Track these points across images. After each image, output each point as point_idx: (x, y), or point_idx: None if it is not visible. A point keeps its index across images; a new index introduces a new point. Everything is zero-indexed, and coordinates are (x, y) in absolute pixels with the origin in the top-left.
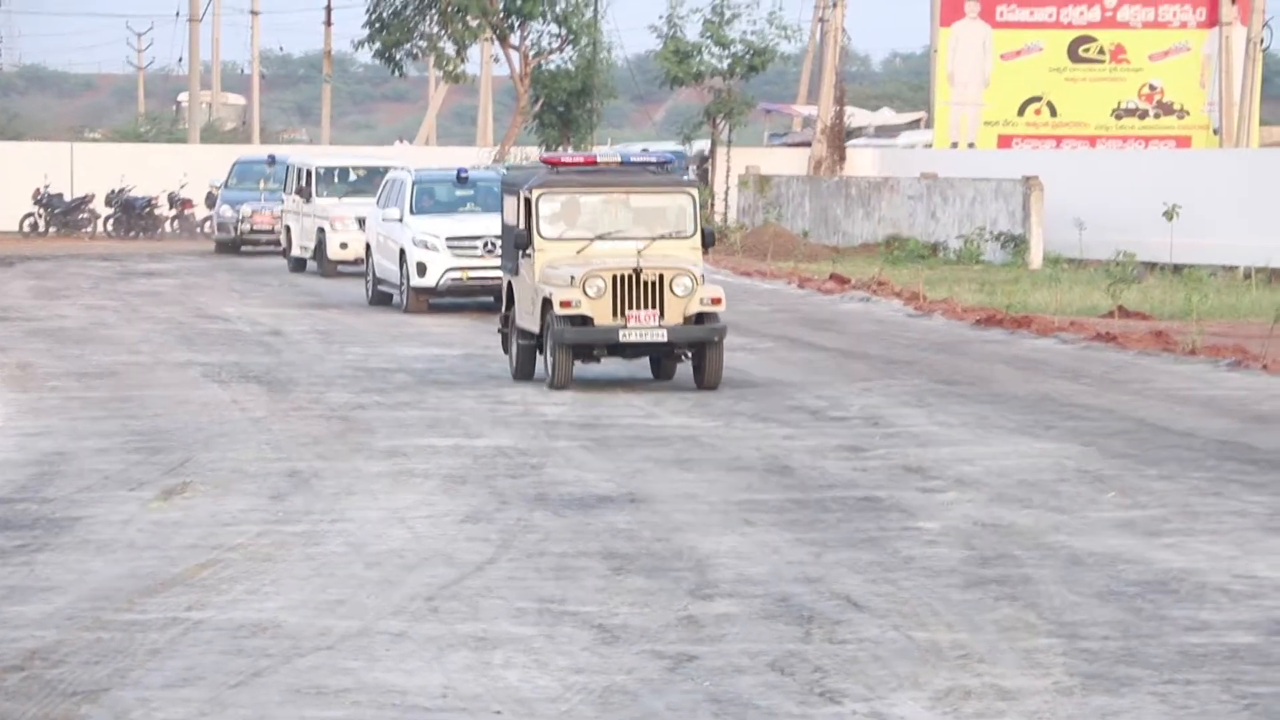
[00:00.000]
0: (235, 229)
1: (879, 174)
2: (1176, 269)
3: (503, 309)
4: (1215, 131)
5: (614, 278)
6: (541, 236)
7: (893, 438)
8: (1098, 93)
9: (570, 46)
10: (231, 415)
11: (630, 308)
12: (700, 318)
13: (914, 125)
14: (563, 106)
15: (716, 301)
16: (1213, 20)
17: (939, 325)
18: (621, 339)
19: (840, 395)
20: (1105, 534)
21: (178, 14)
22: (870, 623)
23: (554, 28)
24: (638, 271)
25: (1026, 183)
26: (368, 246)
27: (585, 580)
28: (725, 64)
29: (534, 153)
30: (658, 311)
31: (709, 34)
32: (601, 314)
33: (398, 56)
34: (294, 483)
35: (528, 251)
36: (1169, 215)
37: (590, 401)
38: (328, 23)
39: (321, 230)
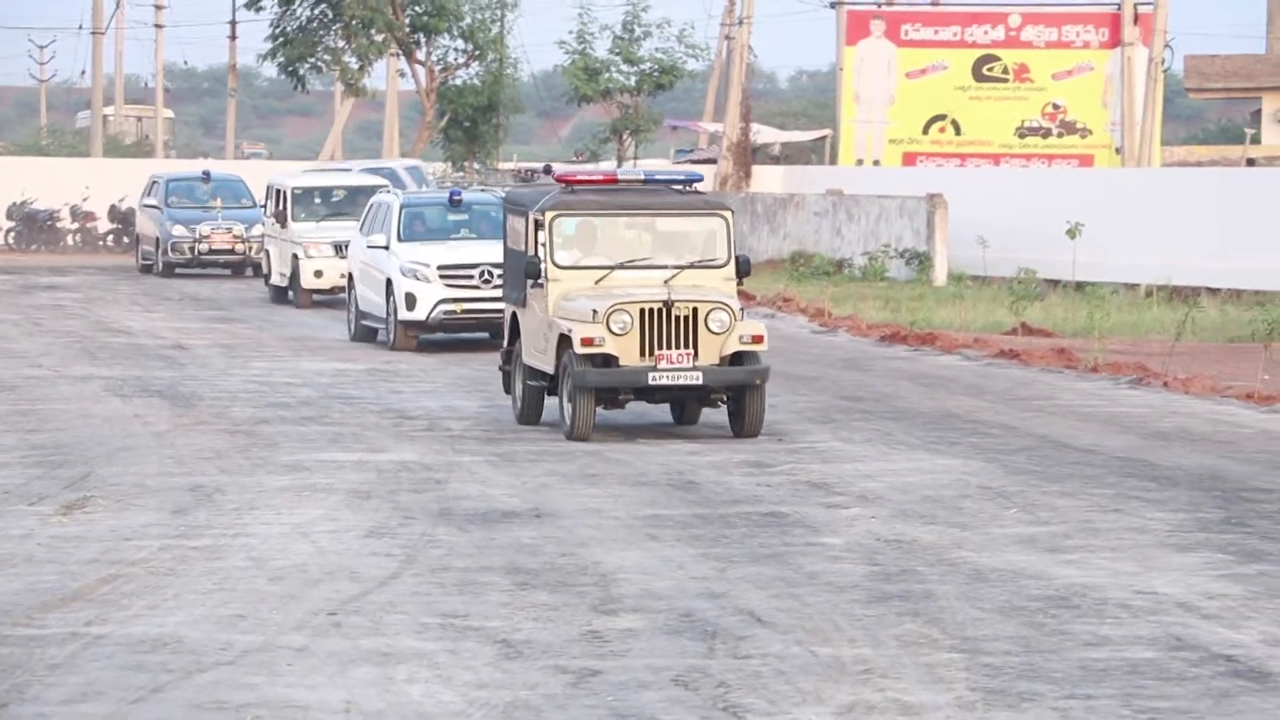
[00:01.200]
0: (192, 250)
1: (785, 191)
2: (1079, 286)
3: (505, 344)
4: (1117, 150)
5: (642, 312)
6: (556, 264)
7: (797, 453)
8: (1002, 111)
9: (476, 62)
10: (134, 429)
11: (660, 346)
12: (739, 358)
13: (820, 143)
14: (469, 122)
15: (758, 339)
16: (1115, 40)
17: (843, 342)
18: (651, 382)
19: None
20: (1007, 550)
21: (80, 26)
22: (774, 638)
23: (460, 43)
24: (669, 305)
25: (931, 200)
26: (349, 277)
27: (489, 595)
28: (633, 81)
29: (440, 168)
30: (691, 351)
31: (618, 51)
32: (628, 353)
33: (302, 71)
34: (196, 497)
35: (539, 281)
36: (1072, 233)
37: (493, 416)
38: (232, 36)
39: (296, 257)
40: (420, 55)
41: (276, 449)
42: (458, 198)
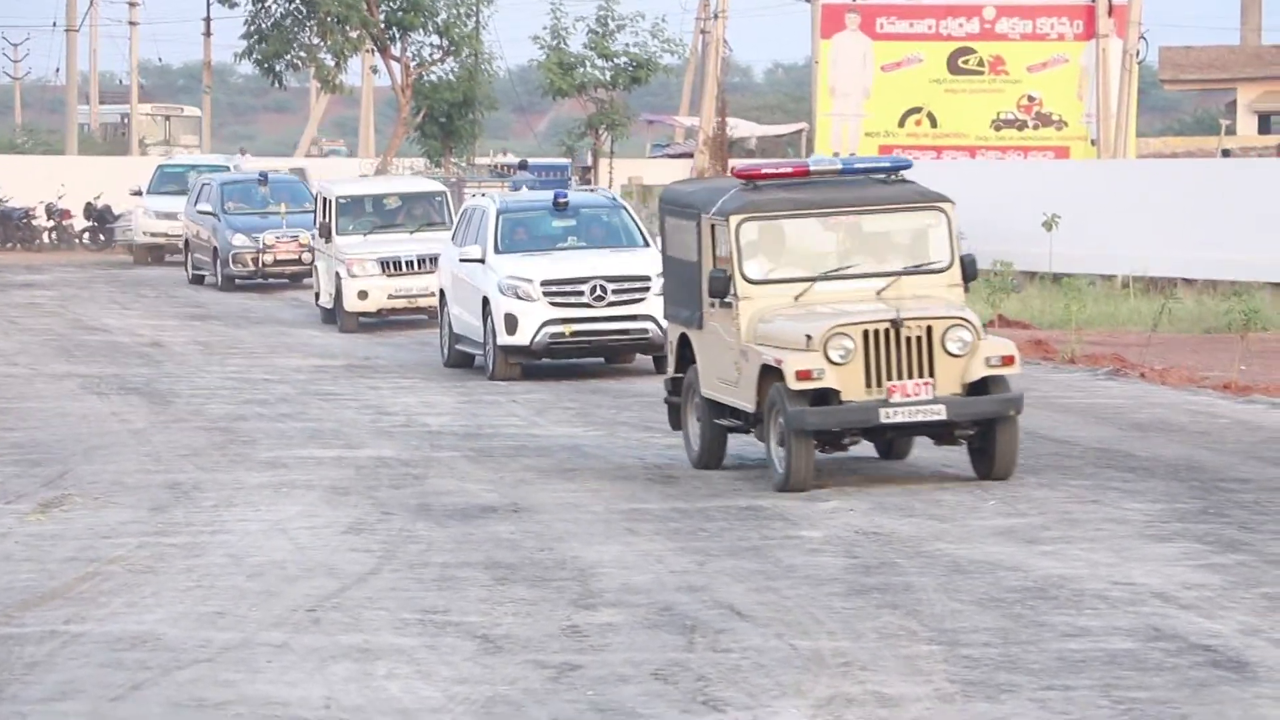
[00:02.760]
0: (256, 261)
1: None
2: (1055, 278)
3: (670, 370)
4: (1093, 142)
5: (865, 335)
6: (746, 278)
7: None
8: (977, 104)
9: (452, 58)
10: (111, 427)
11: (891, 375)
12: (984, 384)
13: (796, 136)
14: (445, 118)
15: (1008, 361)
16: (1090, 33)
17: None
18: (883, 419)
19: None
20: (985, 542)
21: (54, 24)
22: (753, 631)
23: (435, 39)
24: (897, 324)
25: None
26: (441, 294)
27: (468, 590)
28: (608, 75)
29: (418, 163)
30: (929, 379)
31: (593, 46)
32: (852, 386)
33: (278, 68)
34: (174, 494)
35: (726, 299)
36: (1048, 225)
37: (472, 411)
38: (207, 34)
39: (339, 275)
40: (395, 51)
41: (254, 446)
42: (563, 200)
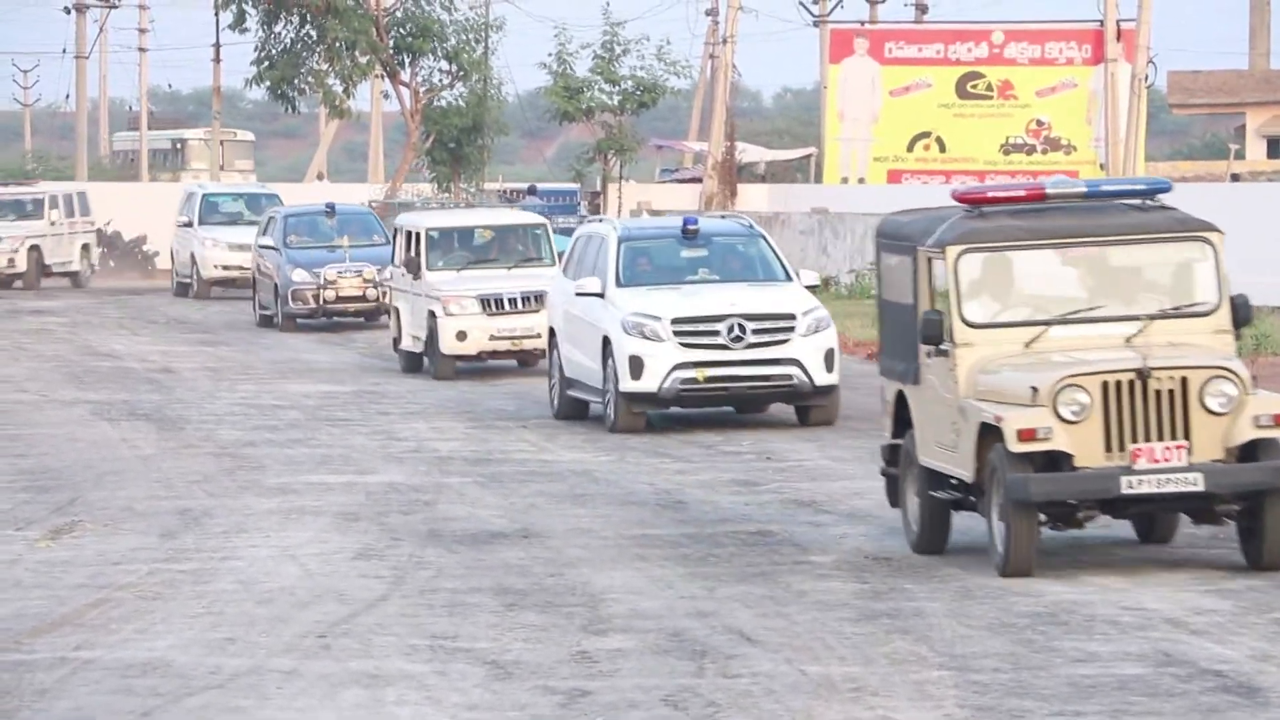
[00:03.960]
0: (317, 298)
1: (770, 209)
2: None
3: (887, 435)
4: (1101, 167)
5: (1105, 387)
6: (966, 321)
7: (785, 472)
8: (986, 128)
9: (461, 83)
10: (121, 453)
11: (1135, 437)
12: (1252, 449)
13: (805, 161)
14: (454, 143)
15: None
16: (1098, 57)
17: None
18: (1125, 490)
19: (733, 430)
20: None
21: (64, 51)
22: (763, 657)
23: (444, 64)
24: (1143, 374)
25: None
26: (551, 334)
27: (478, 616)
28: (616, 100)
29: (425, 189)
30: (1183, 441)
31: (599, 70)
32: (1087, 449)
33: (288, 93)
34: (184, 520)
35: (941, 346)
36: None
37: (482, 437)
38: (216, 59)
39: (433, 315)
40: (404, 77)
41: (264, 471)
42: (693, 227)
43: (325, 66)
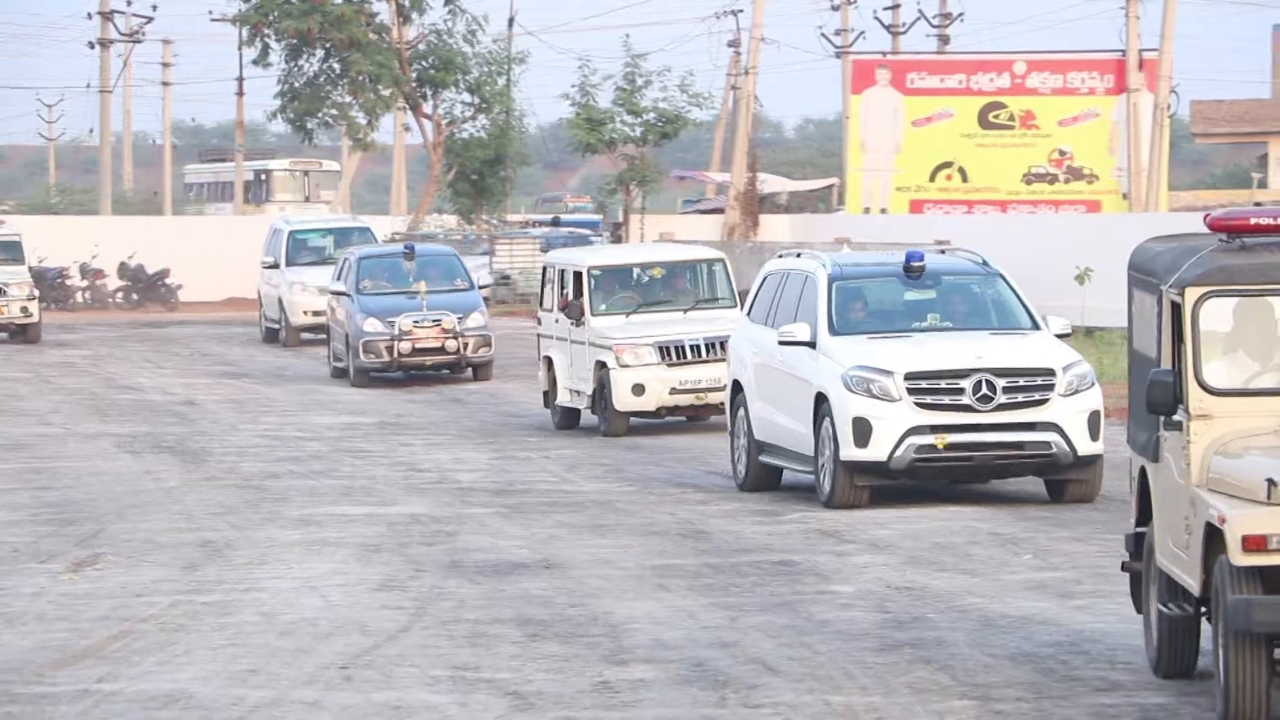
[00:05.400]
0: (390, 350)
1: (793, 240)
2: (1089, 331)
3: (1133, 520)
4: (1125, 196)
5: None
6: (1204, 386)
7: (807, 502)
8: (1008, 158)
9: (483, 115)
10: (144, 485)
11: None
12: None
13: (827, 191)
14: (476, 174)
15: None
16: (1121, 87)
17: None
18: None
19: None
20: (1018, 596)
21: (88, 85)
22: (786, 687)
23: (467, 96)
24: None
25: (939, 247)
26: (735, 388)
27: (500, 647)
28: (638, 131)
29: (449, 220)
30: None
31: (621, 102)
32: None
33: (310, 125)
34: (206, 553)
35: (1176, 417)
36: (1080, 279)
37: (504, 468)
38: (239, 93)
39: (603, 366)
40: (427, 109)
41: (286, 503)
42: (919, 264)
43: (348, 99)
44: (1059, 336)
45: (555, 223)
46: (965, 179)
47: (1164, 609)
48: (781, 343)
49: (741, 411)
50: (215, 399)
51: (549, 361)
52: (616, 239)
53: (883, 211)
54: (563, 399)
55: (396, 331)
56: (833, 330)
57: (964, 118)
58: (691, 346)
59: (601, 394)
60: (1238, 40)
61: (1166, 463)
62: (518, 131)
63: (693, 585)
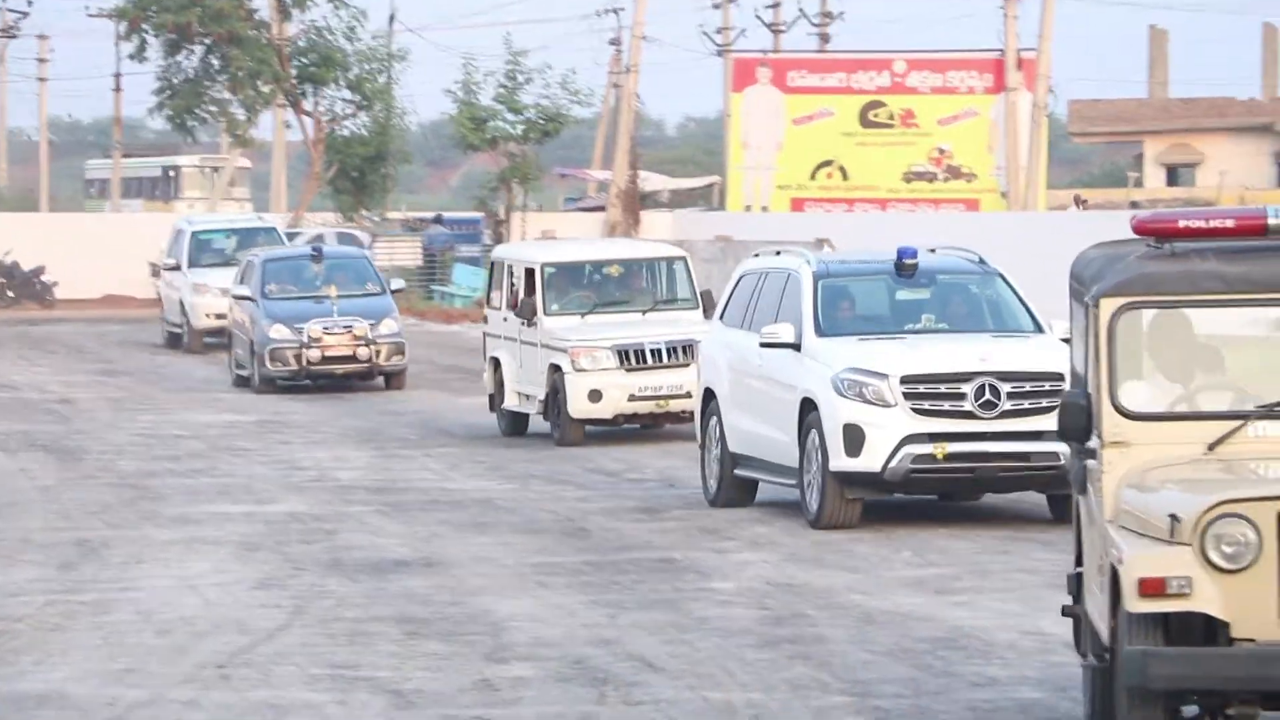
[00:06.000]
0: (298, 358)
1: (674, 238)
2: None
3: (1073, 560)
4: (1003, 195)
5: None
6: (1119, 408)
7: (688, 499)
8: (888, 157)
9: (364, 112)
10: (19, 484)
11: None
12: None
13: (708, 189)
14: (357, 172)
15: None
16: (999, 86)
17: None
18: None
19: (638, 457)
20: (897, 592)
21: None
22: (665, 684)
23: (347, 93)
24: None
25: (819, 244)
26: (707, 396)
27: (379, 645)
28: (519, 129)
29: (330, 218)
30: None
31: (503, 100)
32: (1250, 613)
33: (189, 122)
34: (82, 551)
35: (1090, 444)
36: None
37: (384, 465)
38: (117, 89)
39: (557, 369)
40: (307, 106)
41: (164, 502)
42: (911, 261)
43: (228, 95)
44: (1064, 340)
45: (438, 220)
46: (846, 177)
47: (1083, 659)
48: (764, 345)
49: (714, 421)
50: (92, 397)
51: (496, 363)
52: (497, 237)
53: (764, 209)
54: (510, 403)
55: (305, 338)
56: (819, 331)
57: (844, 116)
58: (652, 350)
59: (555, 399)
60: (1115, 41)
61: (1090, 495)
62: (399, 129)
63: (573, 583)
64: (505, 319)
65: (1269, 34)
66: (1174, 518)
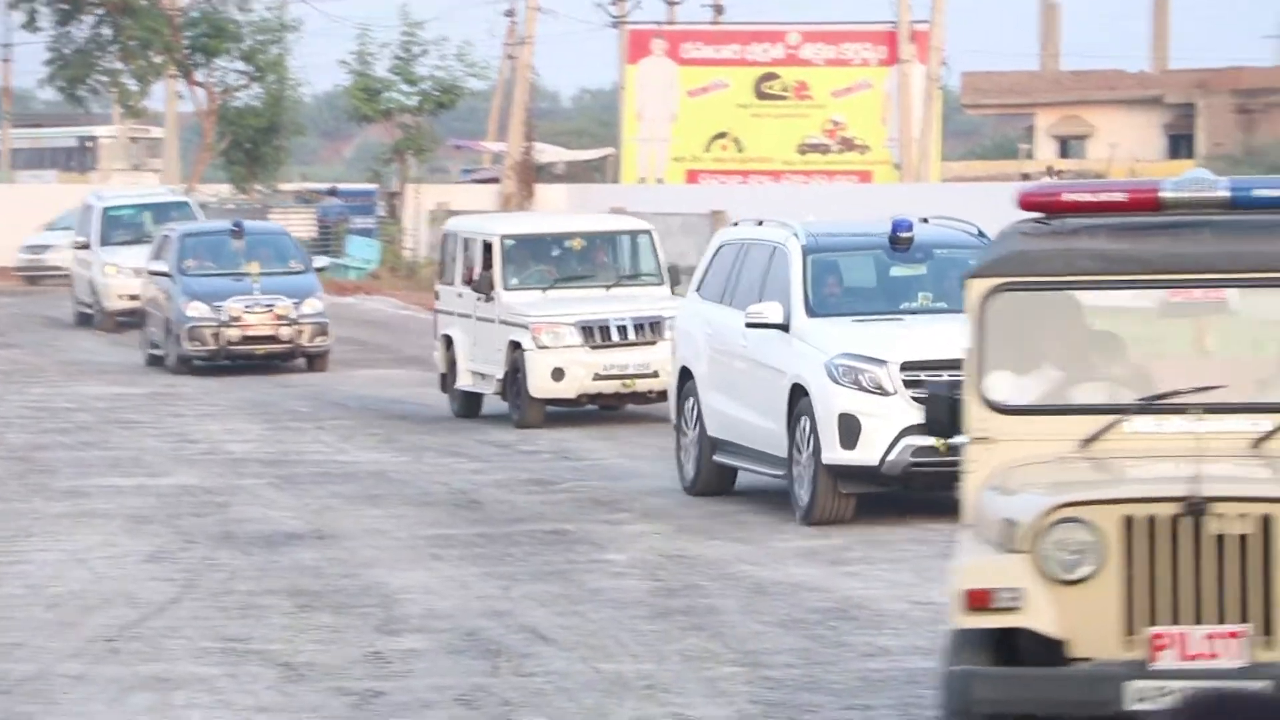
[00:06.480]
0: (216, 337)
1: (569, 209)
2: None
3: None
4: (897, 166)
5: (1126, 526)
6: (987, 401)
7: (582, 471)
8: (783, 128)
9: (257, 83)
10: None
11: (1168, 614)
12: None
13: (604, 161)
14: (250, 143)
15: None
16: (893, 58)
17: None
18: (1129, 705)
19: (531, 429)
20: (789, 563)
21: None
22: (557, 655)
23: (240, 64)
24: (1196, 507)
25: (714, 217)
26: (681, 375)
27: (271, 618)
28: (414, 101)
29: (223, 190)
30: (1243, 626)
31: (398, 71)
32: (1090, 630)
33: (81, 92)
34: None
35: (954, 440)
36: None
37: (277, 438)
38: (5, 59)
39: (517, 347)
40: (199, 77)
41: (54, 475)
42: (906, 234)
43: (119, 66)
44: None
45: (333, 192)
46: (740, 149)
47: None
48: (750, 325)
49: (691, 403)
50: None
51: (448, 340)
52: (391, 209)
53: (659, 181)
54: (464, 382)
55: (225, 317)
56: (810, 311)
57: (739, 88)
58: (618, 327)
59: (514, 378)
60: (1008, 14)
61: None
62: (292, 100)
63: (466, 555)
64: (459, 295)
65: (1159, 7)
66: (1009, 522)
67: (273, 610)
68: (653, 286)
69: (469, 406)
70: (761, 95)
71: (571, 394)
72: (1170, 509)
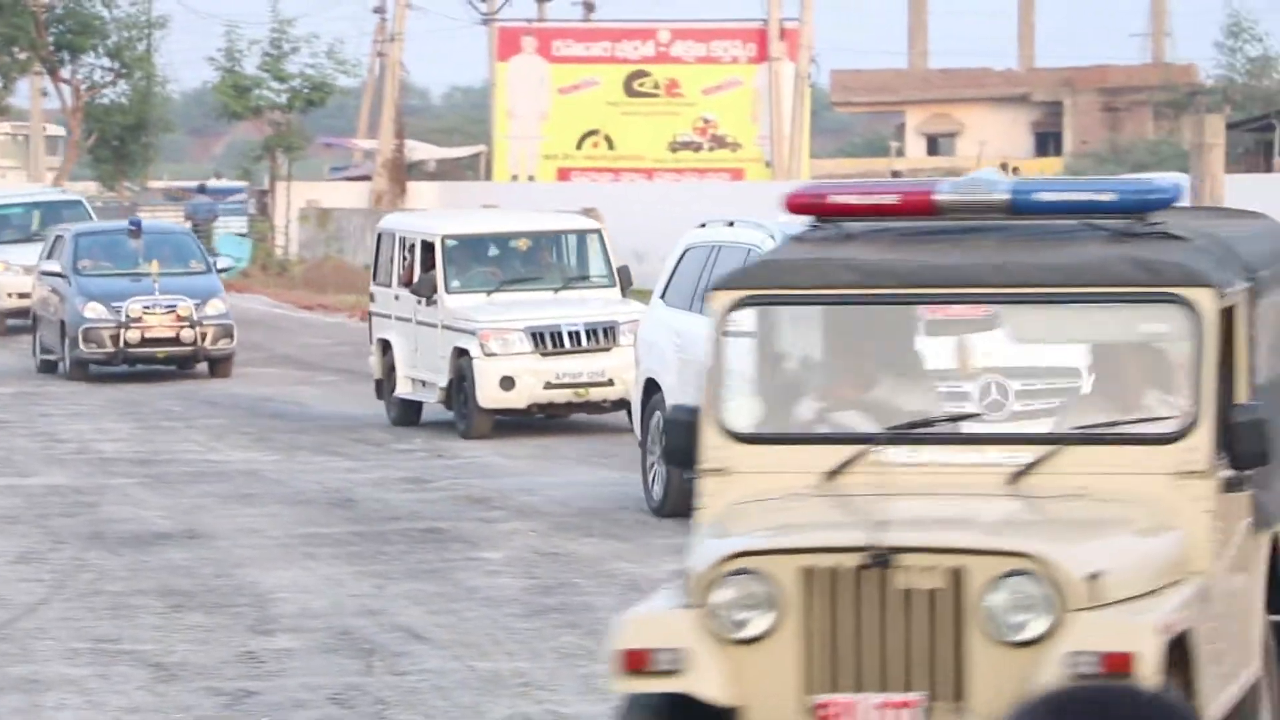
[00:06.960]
0: (115, 340)
1: (440, 207)
2: None
3: None
4: (768, 164)
5: (805, 577)
6: (724, 429)
7: (456, 469)
8: (654, 126)
9: (124, 80)
10: None
11: (850, 680)
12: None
13: (475, 159)
14: (117, 141)
15: (1117, 664)
16: (763, 56)
17: None
18: None
19: (405, 429)
20: (665, 559)
21: None
22: (432, 654)
23: (107, 61)
24: (881, 559)
25: (586, 215)
26: (647, 388)
27: (142, 618)
28: (284, 98)
29: (91, 188)
30: (919, 695)
31: (268, 68)
32: (766, 695)
33: None
34: None
35: (689, 473)
36: None
37: (147, 437)
38: None
39: (463, 354)
40: (65, 73)
41: None
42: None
43: None
44: None
45: (202, 190)
46: (612, 147)
47: None
48: (725, 334)
49: (658, 418)
50: None
51: (385, 345)
52: (262, 207)
53: (531, 179)
54: (403, 390)
55: (123, 318)
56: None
57: (609, 86)
58: (570, 333)
59: (460, 387)
60: (876, 11)
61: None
62: (160, 97)
63: (340, 554)
64: (397, 297)
65: (1025, 6)
66: (685, 573)
67: (144, 610)
68: (603, 289)
69: (407, 415)
70: (632, 93)
71: (522, 404)
72: (854, 560)
